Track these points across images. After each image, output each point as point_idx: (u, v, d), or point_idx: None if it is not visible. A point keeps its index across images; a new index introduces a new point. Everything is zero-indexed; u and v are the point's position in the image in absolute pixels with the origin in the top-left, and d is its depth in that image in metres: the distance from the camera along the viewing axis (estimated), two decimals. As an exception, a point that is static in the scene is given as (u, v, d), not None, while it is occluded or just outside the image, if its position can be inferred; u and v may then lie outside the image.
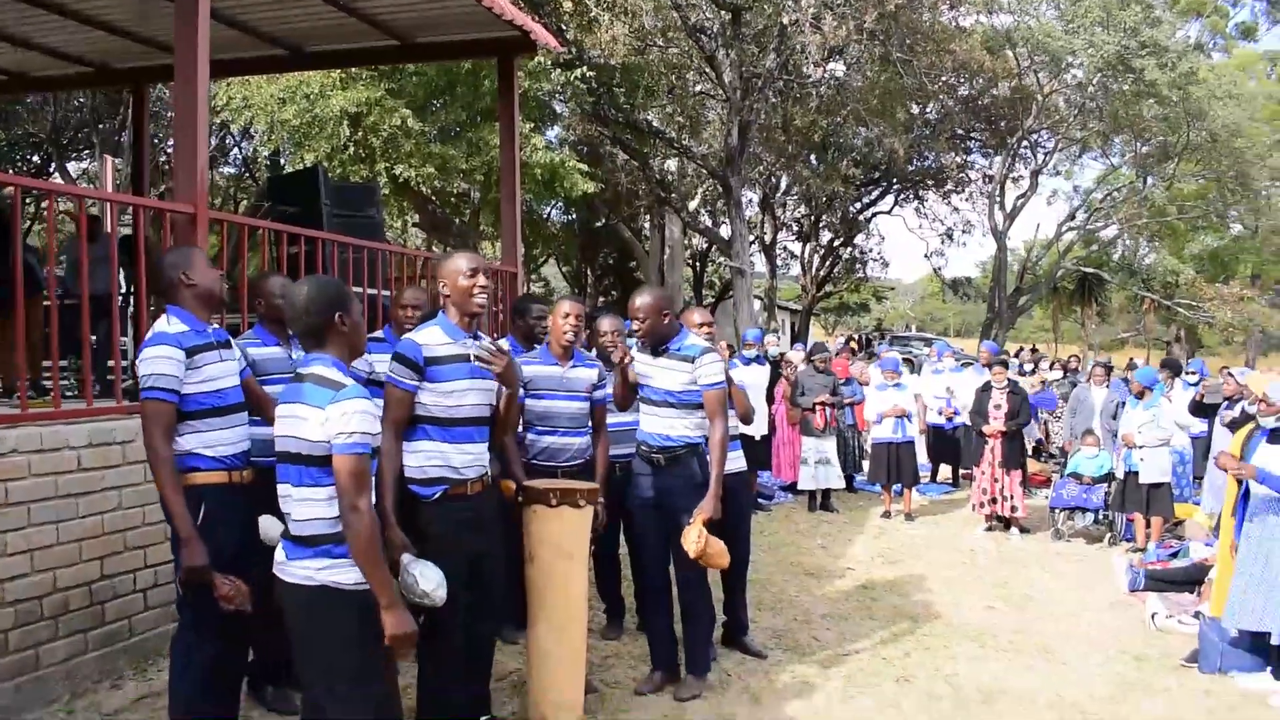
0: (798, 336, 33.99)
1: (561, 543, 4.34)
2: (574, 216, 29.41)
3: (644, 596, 5.25)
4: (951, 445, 11.76)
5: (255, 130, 15.81)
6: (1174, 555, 8.18)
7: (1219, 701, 5.36)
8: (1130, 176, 28.03)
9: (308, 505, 3.05)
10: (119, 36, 8.75)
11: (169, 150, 23.07)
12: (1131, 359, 20.84)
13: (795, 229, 33.03)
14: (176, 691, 3.69)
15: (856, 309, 55.53)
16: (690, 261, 31.24)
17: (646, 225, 27.17)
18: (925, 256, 34.54)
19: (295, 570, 3.07)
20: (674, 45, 18.34)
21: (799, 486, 10.60)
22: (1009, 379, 9.84)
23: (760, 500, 10.44)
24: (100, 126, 22.22)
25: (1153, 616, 6.82)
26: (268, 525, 3.62)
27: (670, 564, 4.99)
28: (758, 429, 10.15)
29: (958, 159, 27.64)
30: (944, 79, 21.93)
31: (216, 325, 3.98)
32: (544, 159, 14.34)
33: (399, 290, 5.87)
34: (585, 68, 15.78)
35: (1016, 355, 20.74)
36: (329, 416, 2.98)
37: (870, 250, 34.82)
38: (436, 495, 3.79)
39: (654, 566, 5.03)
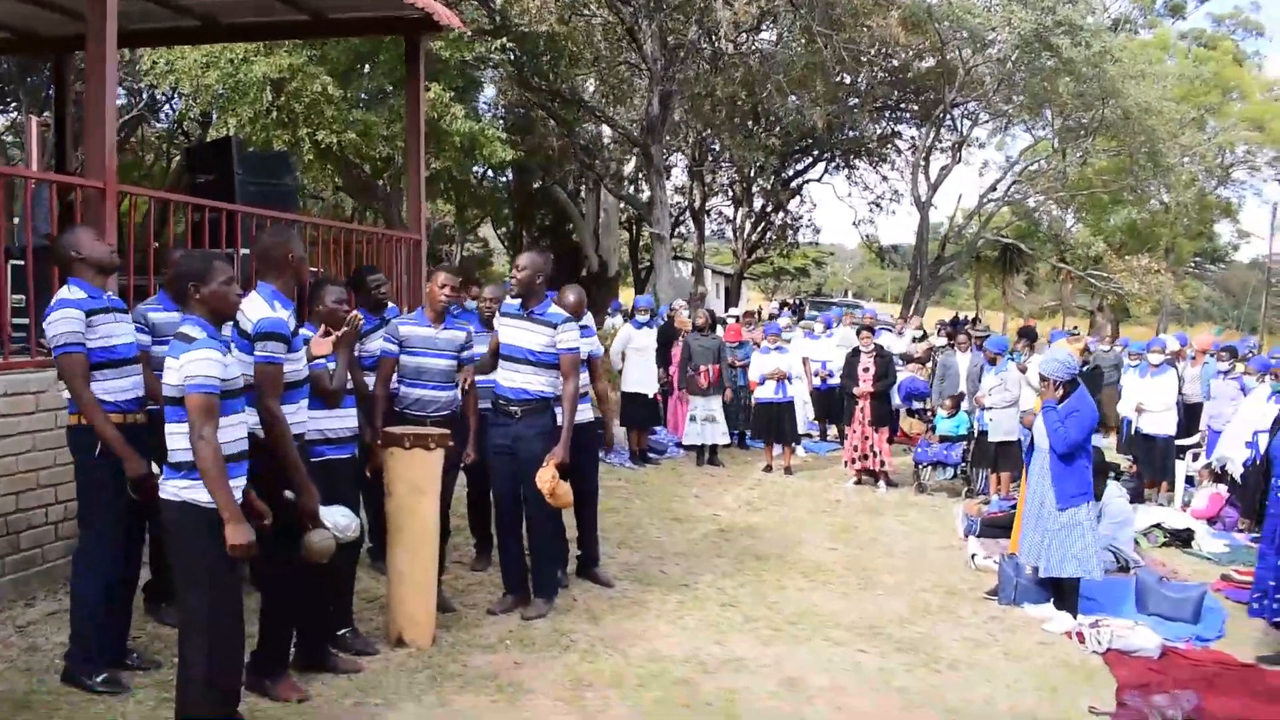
0: (731, 300, 34.85)
1: (414, 479, 5.06)
2: (509, 179, 29.93)
3: (499, 530, 5.97)
4: (837, 405, 12.60)
5: (180, 94, 16.10)
6: (1014, 506, 9.07)
7: (1001, 625, 6.23)
8: (1046, 148, 29.00)
9: (178, 437, 3.75)
10: (38, 7, 9.12)
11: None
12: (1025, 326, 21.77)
13: (729, 195, 33.71)
14: (79, 597, 4.37)
15: (796, 274, 56.62)
16: (625, 225, 31.83)
17: (584, 190, 27.73)
18: (854, 224, 35.28)
19: (167, 488, 3.78)
20: (597, 15, 18.85)
21: (684, 442, 11.41)
22: (874, 344, 10.68)
23: (651, 455, 11.23)
24: (28, 81, 22.24)
25: (973, 557, 7.70)
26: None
27: (522, 501, 5.72)
28: (649, 387, 10.94)
29: (880, 130, 28.42)
30: (865, 53, 22.61)
31: (112, 293, 4.61)
32: (463, 127, 14.87)
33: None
34: (506, 38, 16.26)
35: (952, 323, 21.28)
36: (182, 364, 3.70)
37: (802, 217, 35.51)
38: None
39: (507, 504, 5.77)
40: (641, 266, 33.55)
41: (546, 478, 5.44)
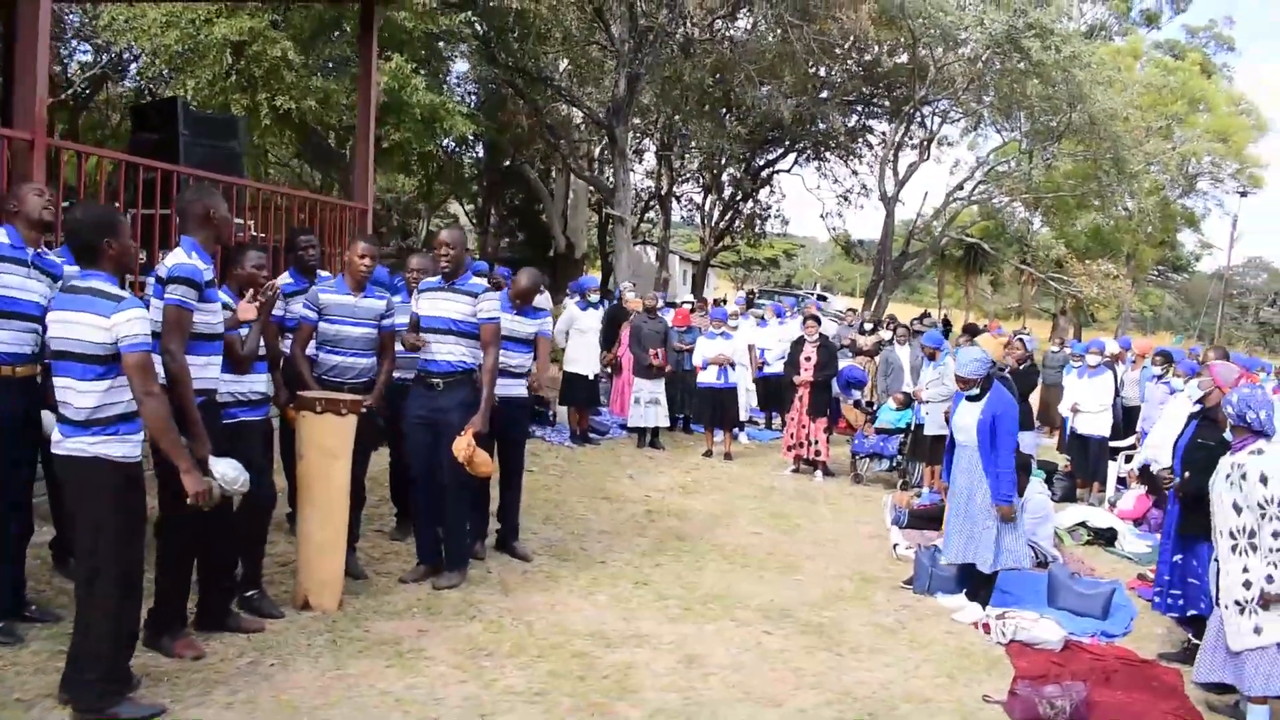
0: (696, 287, 34.89)
1: (325, 443, 5.08)
2: (480, 156, 29.81)
3: (413, 500, 5.99)
4: (779, 393, 12.69)
5: (136, 52, 15.90)
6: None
7: (911, 613, 6.33)
8: (1014, 149, 29.22)
9: (90, 395, 3.74)
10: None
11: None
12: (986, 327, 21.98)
13: (698, 181, 33.70)
14: None
15: (766, 265, 56.81)
16: (594, 207, 31.80)
17: (554, 170, 27.66)
18: (821, 217, 35.30)
19: (70, 445, 3.77)
20: (567, -2, 18.79)
21: (628, 424, 11.46)
22: (820, 334, 10.76)
23: (592, 434, 11.27)
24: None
25: (895, 547, 7.81)
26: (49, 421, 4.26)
27: (438, 472, 5.75)
28: (590, 368, 10.98)
29: (850, 124, 28.51)
30: (836, 45, 22.63)
31: (41, 250, 4.56)
32: (424, 99, 14.79)
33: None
34: (471, 11, 16.18)
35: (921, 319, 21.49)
36: (115, 323, 3.70)
37: (771, 207, 35.54)
38: (199, 403, 4.44)
39: (424, 475, 5.79)
40: (610, 250, 33.53)
41: (463, 445, 5.48)
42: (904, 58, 26.42)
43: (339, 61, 16.04)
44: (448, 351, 5.69)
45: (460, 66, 23.67)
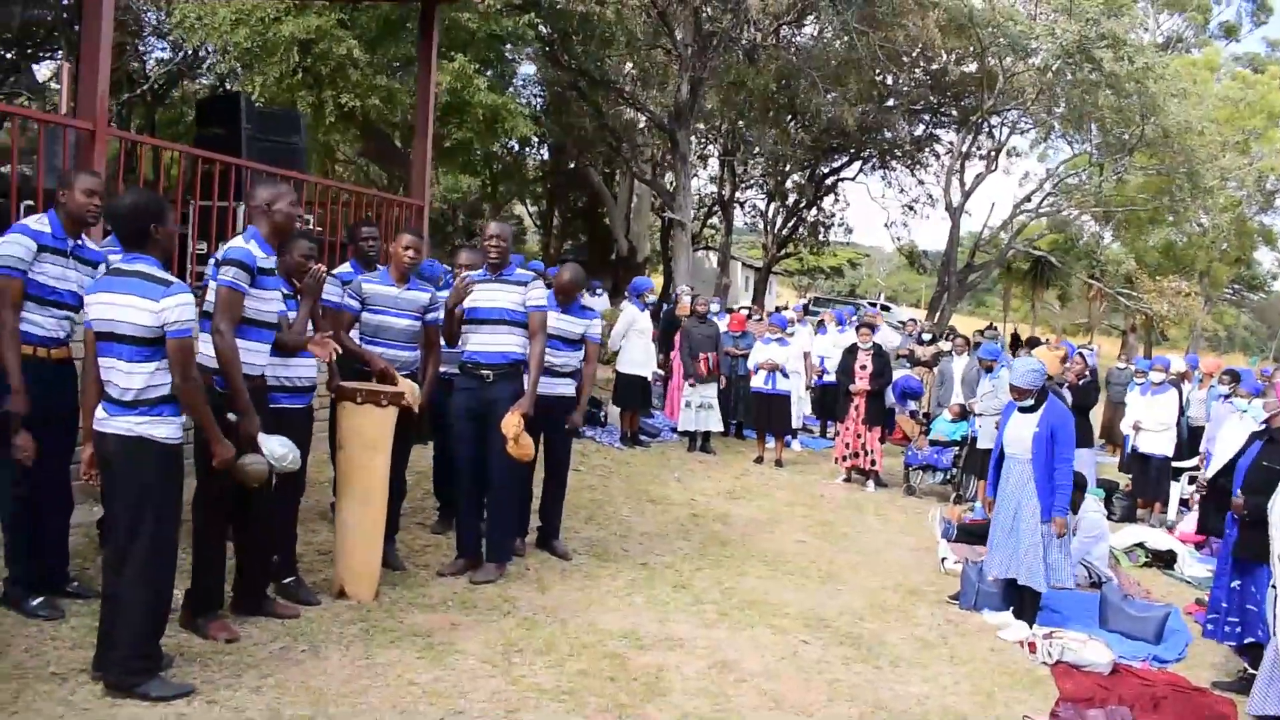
0: (758, 294, 34.71)
1: (365, 434, 5.11)
2: (545, 158, 30.00)
3: (458, 493, 5.99)
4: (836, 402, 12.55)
5: (206, 50, 16.23)
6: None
7: (954, 629, 6.19)
8: (1084, 162, 28.61)
9: (137, 376, 3.81)
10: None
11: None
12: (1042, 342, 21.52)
13: (762, 187, 33.52)
14: (3, 520, 4.51)
15: (830, 274, 56.34)
16: (658, 211, 31.81)
17: (618, 174, 27.71)
18: (885, 226, 34.91)
19: (116, 424, 3.85)
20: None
21: (678, 428, 11.41)
22: (873, 341, 10.61)
23: (643, 437, 11.23)
24: (75, 29, 22.49)
25: (942, 560, 7.65)
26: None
27: (485, 466, 5.75)
28: (646, 369, 10.95)
29: (913, 132, 28.15)
30: (901, 53, 22.36)
31: (82, 240, 4.63)
32: (486, 99, 14.87)
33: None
34: (533, 13, 16.25)
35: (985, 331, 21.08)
36: (164, 307, 3.77)
37: (835, 215, 35.21)
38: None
39: (469, 468, 5.79)
40: (671, 254, 33.48)
41: (514, 422, 5.49)
42: (972, 67, 26.00)
43: (404, 61, 16.18)
44: (499, 342, 5.71)
45: (526, 69, 23.86)
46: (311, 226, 9.14)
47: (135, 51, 24.44)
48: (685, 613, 5.71)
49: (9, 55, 25.24)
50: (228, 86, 23.69)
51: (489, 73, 18.14)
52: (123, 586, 3.84)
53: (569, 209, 34.81)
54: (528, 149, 24.98)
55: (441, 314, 5.84)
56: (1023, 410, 6.30)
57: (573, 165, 26.99)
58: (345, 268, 5.86)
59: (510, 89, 21.80)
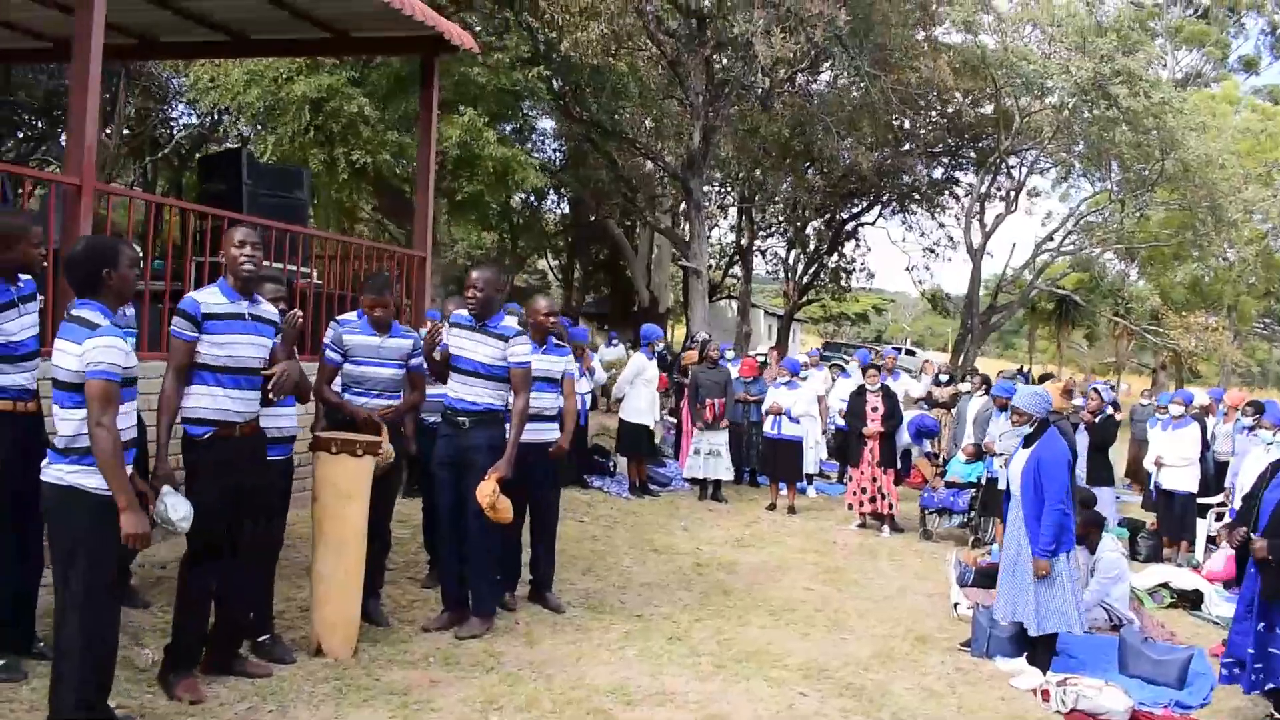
0: (781, 341, 34.55)
1: (340, 484, 4.99)
2: (565, 212, 30.18)
3: (439, 545, 5.84)
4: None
5: (219, 110, 16.48)
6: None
7: (965, 677, 5.93)
8: (1105, 199, 28.36)
9: (69, 423, 3.74)
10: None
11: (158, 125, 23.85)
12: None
13: (782, 234, 33.49)
14: None
15: (855, 320, 56.08)
16: (678, 261, 31.83)
17: (638, 225, 27.76)
18: (906, 270, 34.70)
19: (51, 472, 3.77)
20: (643, 49, 18.93)
21: (685, 475, 11.23)
22: (881, 382, 10.42)
23: (652, 486, 11.05)
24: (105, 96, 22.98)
25: (955, 606, 7.39)
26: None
27: (463, 516, 5.60)
28: (651, 418, 10.80)
29: (931, 174, 28.07)
30: (916, 96, 22.34)
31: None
32: (495, 152, 14.96)
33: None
34: (546, 67, 16.40)
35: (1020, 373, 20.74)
36: (85, 350, 3.68)
37: (855, 260, 35.10)
38: (206, 435, 4.39)
39: (448, 517, 5.65)
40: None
41: (487, 491, 5.33)
42: (988, 108, 25.96)
43: (414, 117, 16.33)
44: (474, 393, 5.58)
45: (545, 123, 24.07)
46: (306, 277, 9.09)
47: (161, 117, 24.91)
48: (679, 665, 5.50)
49: (39, 124, 25.82)
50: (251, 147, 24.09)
51: (506, 128, 18.33)
52: (62, 641, 3.71)
53: (590, 262, 34.95)
54: (546, 202, 25.10)
55: (424, 361, 5.74)
56: (1025, 445, 6.10)
57: (593, 218, 27.12)
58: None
59: (528, 143, 22.03)
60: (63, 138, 26.08)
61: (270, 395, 4.56)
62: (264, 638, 4.94)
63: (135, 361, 3.89)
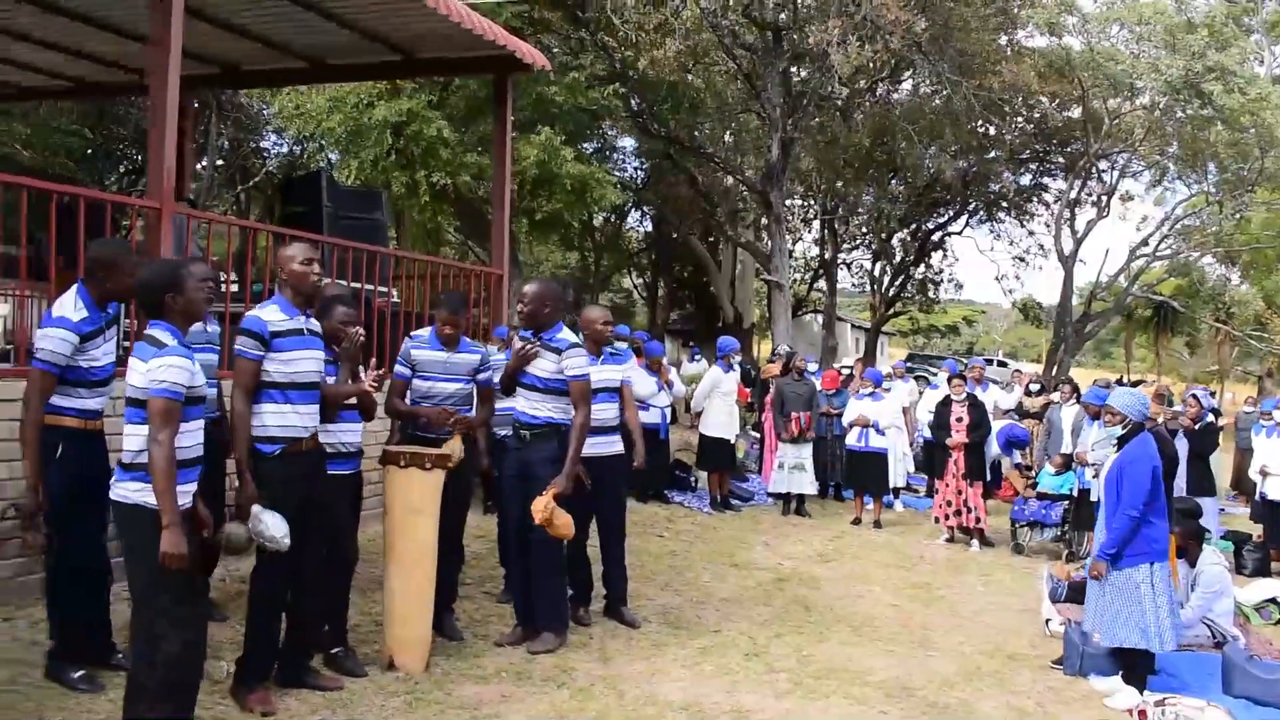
0: (868, 354, 34.06)
1: (410, 499, 4.99)
2: (649, 230, 30.25)
3: (508, 559, 5.81)
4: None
5: (305, 137, 16.87)
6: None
7: (1057, 696, 5.67)
8: (1202, 201, 27.35)
9: (134, 439, 3.78)
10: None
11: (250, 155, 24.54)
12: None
13: (867, 246, 33.08)
14: (51, 595, 4.57)
15: (946, 332, 55.09)
16: (762, 276, 31.61)
17: (722, 241, 27.66)
18: (996, 279, 33.93)
19: (117, 490, 3.81)
20: (719, 64, 18.89)
21: (769, 489, 11.06)
22: (967, 392, 10.13)
23: (734, 501, 10.91)
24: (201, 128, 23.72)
25: (1047, 622, 7.10)
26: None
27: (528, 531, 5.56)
28: (731, 432, 10.68)
29: (1019, 181, 27.41)
30: (1000, 102, 21.84)
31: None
32: (573, 170, 15.01)
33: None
34: (621, 84, 16.45)
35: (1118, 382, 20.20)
36: (150, 367, 3.73)
37: (943, 271, 34.46)
38: (277, 452, 4.42)
39: (515, 532, 5.62)
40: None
41: (540, 506, 5.27)
42: (1076, 111, 25.29)
43: (492, 138, 16.55)
44: (533, 406, 5.55)
45: (626, 142, 24.15)
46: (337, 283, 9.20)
47: (253, 147, 25.60)
48: (755, 682, 5.37)
49: (138, 157, 26.76)
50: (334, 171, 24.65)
51: (588, 147, 18.42)
52: (136, 654, 3.75)
53: (674, 279, 34.91)
54: (629, 221, 25.15)
55: (494, 375, 5.73)
56: (1117, 449, 5.84)
57: (675, 235, 27.10)
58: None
59: (609, 162, 22.14)
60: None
61: (341, 359, 4.71)
62: (337, 650, 4.96)
63: (203, 381, 3.91)
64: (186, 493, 3.80)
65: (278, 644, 4.58)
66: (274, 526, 4.17)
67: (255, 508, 4.19)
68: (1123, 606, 5.62)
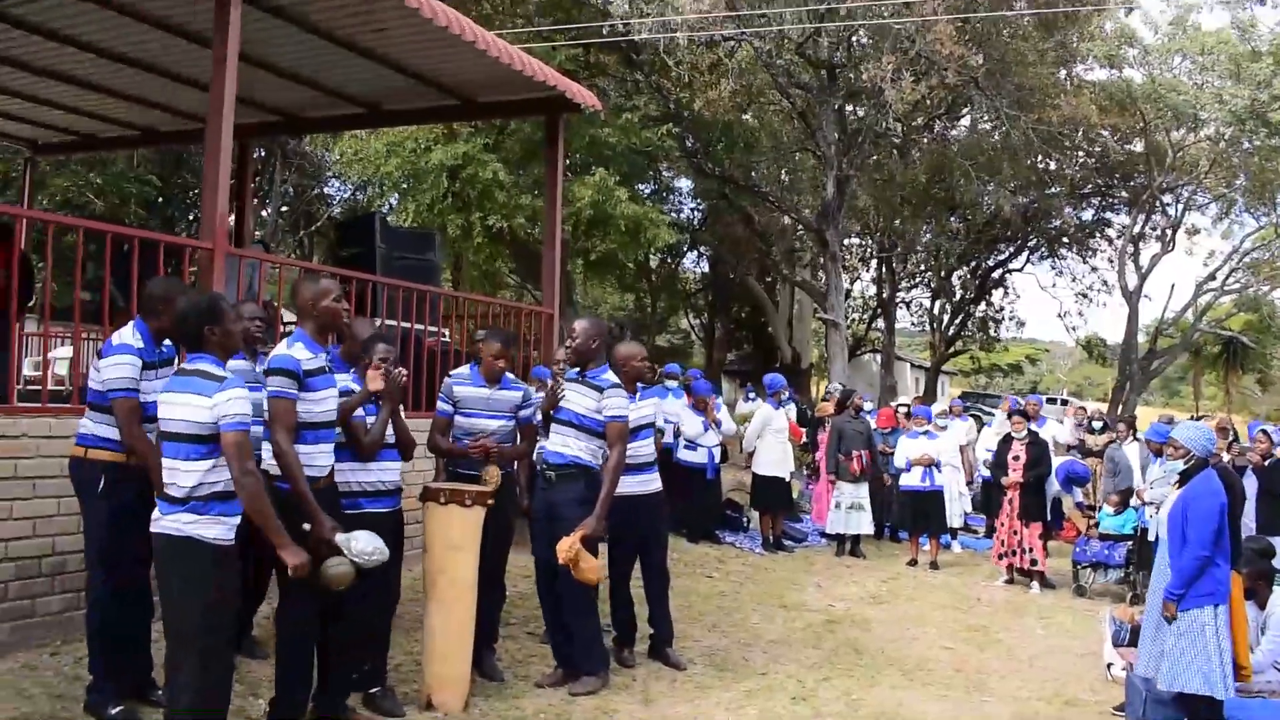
0: (928, 394, 33.60)
1: (450, 536, 4.97)
2: (705, 271, 30.25)
3: (542, 600, 5.74)
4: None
5: (361, 180, 17.18)
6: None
7: (1117, 743, 5.46)
8: (1271, 234, 26.65)
9: (191, 474, 3.79)
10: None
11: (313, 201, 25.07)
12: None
13: (926, 284, 32.77)
14: (89, 632, 4.56)
15: (1009, 371, 54.21)
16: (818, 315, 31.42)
17: (779, 281, 27.59)
18: (1059, 316, 33.31)
19: (166, 523, 3.82)
20: (773, 104, 18.92)
21: (826, 530, 10.90)
22: (1028, 429, 9.90)
23: (787, 541, 10.75)
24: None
25: (1109, 667, 6.86)
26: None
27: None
28: (785, 470, 10.55)
29: (1080, 216, 26.98)
30: (1065, 136, 21.57)
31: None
32: (628, 210, 15.08)
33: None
34: (675, 124, 16.54)
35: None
36: (216, 403, 3.78)
37: (1004, 309, 33.97)
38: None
39: (544, 573, 5.57)
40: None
41: (565, 546, 5.19)
42: (1138, 145, 24.87)
43: (544, 180, 16.75)
44: (564, 444, 5.49)
45: (683, 183, 24.24)
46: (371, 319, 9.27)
47: (317, 193, 26.17)
48: (801, 727, 5.24)
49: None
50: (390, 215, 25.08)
51: (645, 189, 18.53)
52: (174, 690, 3.75)
53: (731, 319, 34.85)
54: (685, 261, 25.19)
55: (535, 413, 5.72)
56: (1179, 485, 5.64)
57: (732, 275, 27.09)
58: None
59: (666, 203, 22.25)
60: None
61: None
62: (375, 690, 4.93)
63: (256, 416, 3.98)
64: (233, 525, 3.83)
65: (310, 682, 4.56)
66: (366, 541, 4.22)
67: (339, 536, 4.21)
68: (1186, 650, 5.39)
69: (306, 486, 4.26)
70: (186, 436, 3.79)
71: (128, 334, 4.55)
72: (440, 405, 5.55)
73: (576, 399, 5.48)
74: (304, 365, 4.35)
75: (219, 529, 3.79)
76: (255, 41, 7.95)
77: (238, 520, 3.89)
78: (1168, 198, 26.52)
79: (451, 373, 5.74)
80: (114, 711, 4.39)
